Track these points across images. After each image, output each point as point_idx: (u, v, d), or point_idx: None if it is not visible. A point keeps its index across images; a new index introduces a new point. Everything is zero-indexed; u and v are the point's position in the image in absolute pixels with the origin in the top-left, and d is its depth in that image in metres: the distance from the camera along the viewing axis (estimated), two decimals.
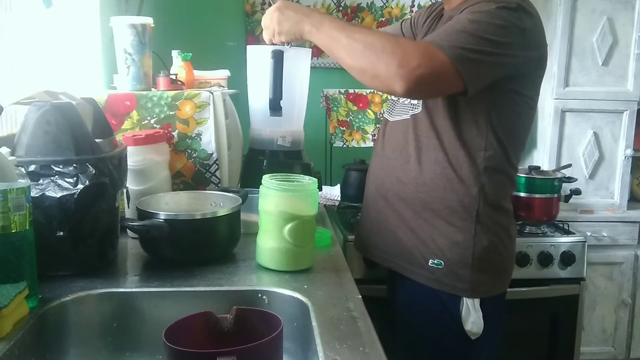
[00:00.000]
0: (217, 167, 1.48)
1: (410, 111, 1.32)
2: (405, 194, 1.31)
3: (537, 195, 2.22)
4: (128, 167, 1.23)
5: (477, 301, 1.27)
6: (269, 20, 1.30)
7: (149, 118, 1.44)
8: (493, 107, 1.24)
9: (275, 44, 1.37)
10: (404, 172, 1.32)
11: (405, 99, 1.35)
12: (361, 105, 2.63)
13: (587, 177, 2.58)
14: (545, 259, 2.13)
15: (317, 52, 2.67)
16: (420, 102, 1.30)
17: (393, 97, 1.43)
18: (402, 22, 1.60)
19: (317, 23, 1.22)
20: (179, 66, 1.76)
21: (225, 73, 2.00)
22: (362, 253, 1.54)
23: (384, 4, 2.79)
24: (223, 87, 1.90)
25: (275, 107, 1.66)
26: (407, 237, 1.32)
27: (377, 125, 2.58)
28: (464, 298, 1.27)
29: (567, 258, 2.15)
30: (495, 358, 1.39)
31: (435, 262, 1.28)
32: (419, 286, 1.30)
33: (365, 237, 1.46)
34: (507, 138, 1.26)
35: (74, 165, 1.03)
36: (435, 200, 1.27)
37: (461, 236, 1.27)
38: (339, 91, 2.62)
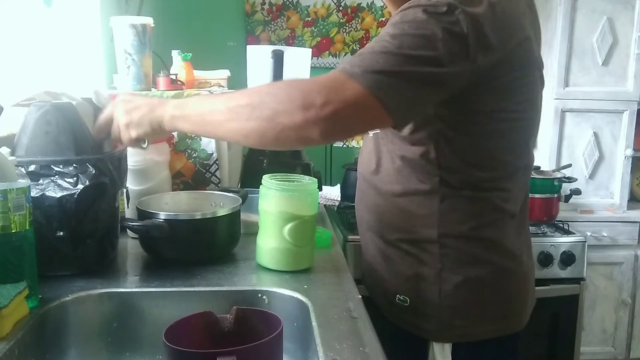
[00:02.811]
0: (217, 167, 1.48)
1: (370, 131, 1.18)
2: (372, 222, 1.20)
3: (537, 195, 2.23)
4: (128, 167, 1.23)
5: (447, 346, 1.11)
6: (116, 114, 1.07)
7: None
8: (446, 130, 1.04)
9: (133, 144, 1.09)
10: (368, 198, 1.20)
11: None
12: None
13: (587, 177, 2.58)
14: (545, 259, 2.14)
15: (317, 52, 2.68)
16: None
17: None
18: None
19: (177, 104, 1.01)
20: (179, 66, 1.76)
21: (225, 73, 2.00)
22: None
23: (384, 4, 2.79)
24: (223, 87, 1.90)
25: None
26: (381, 268, 1.18)
27: None
28: (432, 342, 1.12)
29: (567, 258, 2.15)
30: None
31: (401, 298, 1.14)
32: (389, 324, 1.17)
33: (361, 267, 1.34)
34: (475, 162, 1.06)
35: (74, 165, 1.03)
36: (397, 231, 1.13)
37: (427, 270, 1.10)
38: None
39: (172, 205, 1.30)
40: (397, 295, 1.14)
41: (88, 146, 1.06)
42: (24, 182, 0.89)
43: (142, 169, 1.34)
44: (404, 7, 0.96)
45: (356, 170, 2.17)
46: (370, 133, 1.19)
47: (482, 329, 1.11)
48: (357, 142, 2.61)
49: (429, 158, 1.06)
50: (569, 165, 2.43)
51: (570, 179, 2.29)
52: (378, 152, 1.16)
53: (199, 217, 1.19)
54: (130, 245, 1.30)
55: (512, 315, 1.14)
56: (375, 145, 1.17)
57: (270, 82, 0.97)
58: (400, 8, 0.97)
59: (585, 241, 2.20)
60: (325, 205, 2.12)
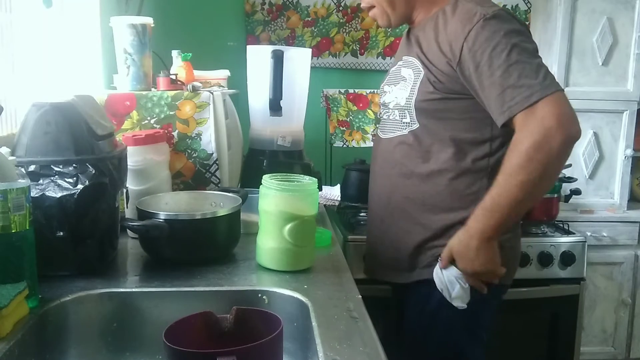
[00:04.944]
0: (217, 167, 1.48)
1: (408, 127, 1.31)
2: (412, 209, 1.31)
3: None
4: (128, 167, 1.23)
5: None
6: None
7: (149, 118, 1.44)
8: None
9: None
10: (408, 188, 1.31)
11: (394, 115, 1.34)
12: (361, 105, 2.63)
13: (587, 177, 2.57)
14: (545, 259, 2.13)
15: (317, 52, 2.67)
16: (415, 118, 1.29)
17: (383, 116, 1.42)
18: None
19: (482, 226, 1.18)
20: (179, 66, 1.76)
21: (225, 73, 2.00)
22: (370, 275, 1.51)
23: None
24: (223, 87, 1.90)
25: (275, 107, 1.66)
26: (417, 232, 1.31)
27: (377, 125, 2.58)
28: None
29: (567, 258, 2.15)
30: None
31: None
32: (421, 284, 1.31)
33: (372, 258, 1.47)
34: (505, 138, 1.23)
35: (74, 165, 1.03)
36: (445, 208, 1.28)
37: None
38: (339, 91, 2.62)
39: (172, 205, 1.30)
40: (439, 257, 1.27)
41: (88, 146, 1.07)
42: (24, 182, 0.89)
43: (142, 169, 1.34)
44: (473, 31, 1.16)
45: (356, 171, 2.18)
46: (404, 131, 1.31)
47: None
48: (357, 142, 2.61)
49: (484, 139, 1.25)
50: (569, 165, 2.42)
51: (570, 179, 2.28)
52: (419, 157, 1.29)
53: (199, 217, 1.19)
54: (130, 245, 1.30)
55: (513, 272, 1.37)
56: (418, 151, 1.29)
57: (509, 167, 1.16)
58: (467, 32, 1.16)
59: (585, 241, 2.20)
60: (325, 205, 2.12)
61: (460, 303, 1.23)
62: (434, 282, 1.27)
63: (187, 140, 1.47)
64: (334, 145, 2.59)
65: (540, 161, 1.11)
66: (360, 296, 1.04)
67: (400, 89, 1.32)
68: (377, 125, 1.47)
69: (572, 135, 1.11)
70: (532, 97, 1.11)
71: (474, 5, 1.20)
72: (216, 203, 1.32)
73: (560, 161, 1.14)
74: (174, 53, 1.79)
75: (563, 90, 1.13)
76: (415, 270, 1.33)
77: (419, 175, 1.30)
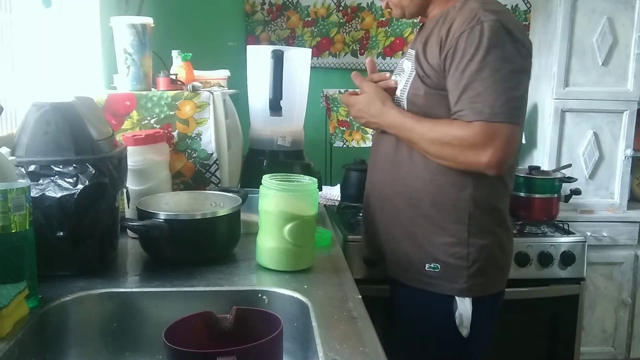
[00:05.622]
0: (217, 167, 1.48)
1: None
2: (399, 202, 1.33)
3: (537, 195, 2.22)
4: (128, 167, 1.23)
5: (467, 300, 1.28)
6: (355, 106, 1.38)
7: (149, 118, 1.44)
8: None
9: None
10: (397, 181, 1.33)
11: None
12: None
13: (587, 177, 2.57)
14: (545, 259, 2.13)
15: (317, 52, 2.68)
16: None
17: None
18: None
19: (393, 125, 1.30)
20: (179, 66, 1.76)
21: (225, 73, 2.00)
22: (371, 256, 1.53)
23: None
24: (223, 87, 1.90)
25: (275, 107, 1.66)
26: (405, 244, 1.33)
27: None
28: (457, 297, 1.28)
29: (567, 258, 2.14)
30: (485, 353, 1.40)
31: (432, 266, 1.29)
32: (416, 290, 1.32)
33: (371, 243, 1.48)
34: None
35: (74, 165, 1.03)
36: (428, 206, 1.28)
37: (455, 239, 1.27)
38: (339, 91, 2.62)
39: (172, 205, 1.30)
40: (427, 265, 1.29)
41: (88, 146, 1.07)
42: (24, 182, 0.89)
43: (142, 169, 1.34)
44: (465, 33, 1.18)
45: (356, 171, 2.18)
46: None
47: (498, 284, 1.34)
48: (357, 142, 2.61)
49: None
50: (569, 165, 2.43)
51: (570, 179, 2.28)
52: (407, 149, 1.30)
53: (199, 217, 1.19)
54: (130, 245, 1.30)
55: (508, 271, 1.38)
56: (405, 144, 1.31)
57: (429, 127, 1.25)
58: (451, 19, 1.21)
59: (585, 241, 2.20)
60: (325, 205, 2.12)
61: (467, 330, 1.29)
62: (433, 293, 1.29)
63: (187, 140, 1.47)
64: (334, 145, 2.59)
65: (447, 157, 1.22)
66: (360, 296, 1.04)
67: (400, 81, 1.34)
68: None
69: (483, 167, 1.19)
70: (480, 115, 1.16)
71: (478, 7, 1.20)
72: (216, 203, 1.32)
73: (456, 167, 1.24)
74: (174, 53, 1.79)
75: (515, 123, 1.18)
76: (405, 273, 1.34)
77: (408, 168, 1.31)
